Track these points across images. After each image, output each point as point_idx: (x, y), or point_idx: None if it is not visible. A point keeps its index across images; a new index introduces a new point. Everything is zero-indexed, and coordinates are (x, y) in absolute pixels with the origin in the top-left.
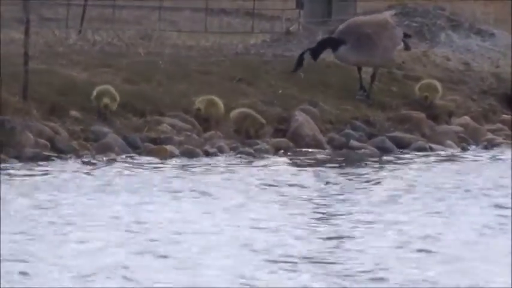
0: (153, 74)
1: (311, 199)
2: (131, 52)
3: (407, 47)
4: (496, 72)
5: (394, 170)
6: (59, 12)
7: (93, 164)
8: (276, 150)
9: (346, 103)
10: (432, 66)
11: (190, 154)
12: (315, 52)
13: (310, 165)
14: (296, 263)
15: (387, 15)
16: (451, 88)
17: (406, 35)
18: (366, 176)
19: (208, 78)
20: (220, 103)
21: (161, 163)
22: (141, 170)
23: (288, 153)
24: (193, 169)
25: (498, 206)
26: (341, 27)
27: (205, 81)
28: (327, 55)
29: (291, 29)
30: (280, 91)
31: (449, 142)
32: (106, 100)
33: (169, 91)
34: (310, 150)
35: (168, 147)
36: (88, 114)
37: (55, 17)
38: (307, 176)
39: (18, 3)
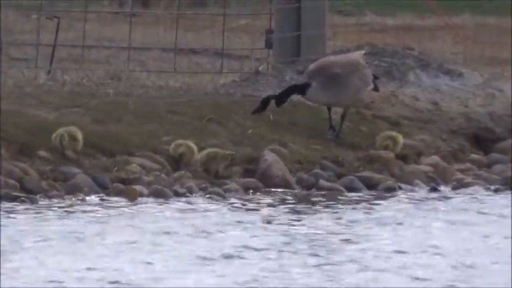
0: (123, 114)
1: None
2: (100, 92)
3: (376, 89)
4: (465, 112)
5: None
6: (28, 52)
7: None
8: (245, 190)
9: (315, 143)
10: (401, 106)
11: (159, 194)
12: (279, 101)
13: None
14: None
15: (358, 55)
16: (420, 128)
17: (374, 77)
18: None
19: (178, 118)
20: (195, 148)
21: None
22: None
23: (257, 193)
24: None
25: None
26: (311, 67)
27: (175, 121)
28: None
29: (260, 68)
30: (249, 131)
31: (418, 182)
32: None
33: (139, 131)
34: (279, 190)
35: (138, 187)
36: (57, 155)
37: (24, 57)
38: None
39: None
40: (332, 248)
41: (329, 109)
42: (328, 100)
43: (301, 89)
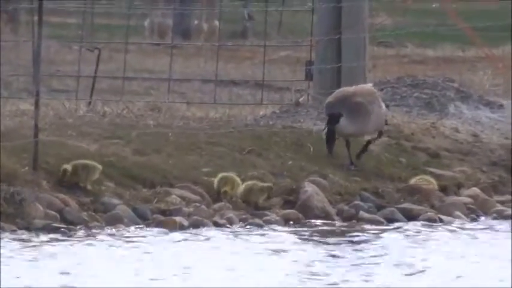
0: (163, 146)
1: None
2: (141, 124)
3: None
4: (505, 143)
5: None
6: (69, 84)
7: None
8: (285, 222)
9: (355, 174)
10: (441, 138)
11: (199, 225)
12: (330, 146)
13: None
14: None
15: (370, 85)
16: (460, 159)
17: (385, 105)
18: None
19: (218, 150)
20: (238, 180)
21: None
22: None
23: (297, 225)
24: None
25: None
26: (330, 98)
27: (215, 153)
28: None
29: (300, 100)
30: (289, 162)
31: (458, 213)
32: (66, 166)
33: (179, 162)
34: (319, 221)
35: (178, 218)
36: (97, 186)
37: (65, 88)
38: None
39: (27, 75)
40: None
41: (348, 144)
42: (355, 129)
43: (337, 117)
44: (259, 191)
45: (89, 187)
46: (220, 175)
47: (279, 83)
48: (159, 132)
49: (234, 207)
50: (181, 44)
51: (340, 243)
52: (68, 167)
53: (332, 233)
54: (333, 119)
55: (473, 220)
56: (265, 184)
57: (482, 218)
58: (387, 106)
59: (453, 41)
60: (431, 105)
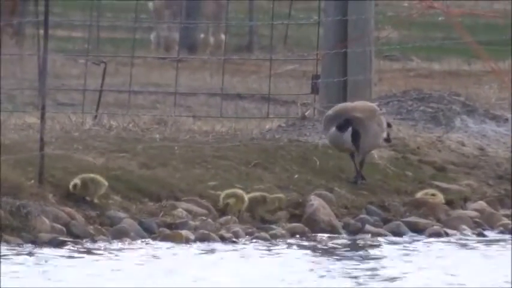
0: (169, 159)
1: None
2: (147, 137)
3: (388, 138)
4: (511, 157)
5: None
6: (75, 97)
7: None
8: (292, 235)
9: (361, 188)
10: (447, 151)
11: (205, 239)
12: (356, 133)
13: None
14: None
15: (372, 104)
16: (466, 173)
17: (388, 125)
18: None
19: (224, 163)
20: (245, 196)
21: None
22: None
23: (303, 238)
24: None
25: None
26: (330, 112)
27: (221, 166)
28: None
29: (306, 113)
30: (296, 176)
31: (464, 227)
32: (76, 181)
33: (185, 176)
34: (325, 235)
35: (184, 232)
36: (104, 200)
37: (71, 102)
38: None
39: (33, 88)
40: None
41: (353, 157)
42: (350, 144)
43: (347, 127)
44: (268, 203)
45: (96, 201)
46: (225, 192)
47: (284, 96)
48: (165, 146)
49: (240, 221)
50: (187, 57)
51: (346, 256)
52: (78, 181)
53: (338, 247)
54: (344, 126)
55: (479, 234)
56: (274, 196)
57: (488, 232)
58: (390, 126)
59: (459, 55)
60: (437, 119)
